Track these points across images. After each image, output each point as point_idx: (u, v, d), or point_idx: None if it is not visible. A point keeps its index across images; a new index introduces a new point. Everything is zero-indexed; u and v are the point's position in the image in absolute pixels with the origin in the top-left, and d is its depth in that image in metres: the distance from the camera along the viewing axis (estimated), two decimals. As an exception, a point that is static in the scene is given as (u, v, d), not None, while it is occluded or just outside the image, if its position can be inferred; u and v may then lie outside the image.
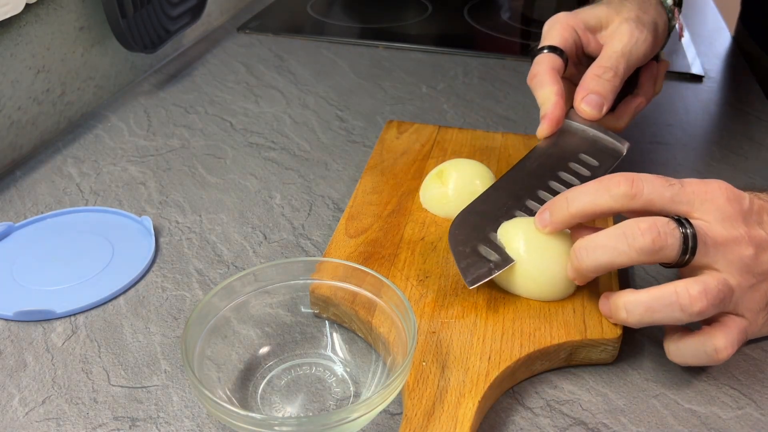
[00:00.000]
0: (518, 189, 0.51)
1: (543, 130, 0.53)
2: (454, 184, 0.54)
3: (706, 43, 0.98)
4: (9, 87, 0.65)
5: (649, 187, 0.41)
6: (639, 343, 0.47)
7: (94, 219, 0.57)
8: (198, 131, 0.72)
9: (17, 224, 0.56)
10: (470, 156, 0.62)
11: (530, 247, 0.45)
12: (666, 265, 0.41)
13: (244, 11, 1.07)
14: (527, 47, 0.97)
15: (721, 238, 0.40)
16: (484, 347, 0.42)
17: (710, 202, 0.40)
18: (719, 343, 0.40)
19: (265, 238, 0.56)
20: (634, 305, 0.40)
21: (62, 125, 0.73)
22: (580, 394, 0.43)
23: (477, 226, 0.48)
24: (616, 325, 0.44)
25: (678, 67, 0.88)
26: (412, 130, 0.66)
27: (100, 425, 0.40)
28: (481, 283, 0.45)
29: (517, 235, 0.46)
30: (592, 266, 0.41)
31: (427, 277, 0.48)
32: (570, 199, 0.43)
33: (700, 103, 0.80)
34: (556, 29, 0.56)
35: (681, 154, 0.69)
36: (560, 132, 0.54)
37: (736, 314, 0.41)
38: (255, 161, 0.66)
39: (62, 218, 0.57)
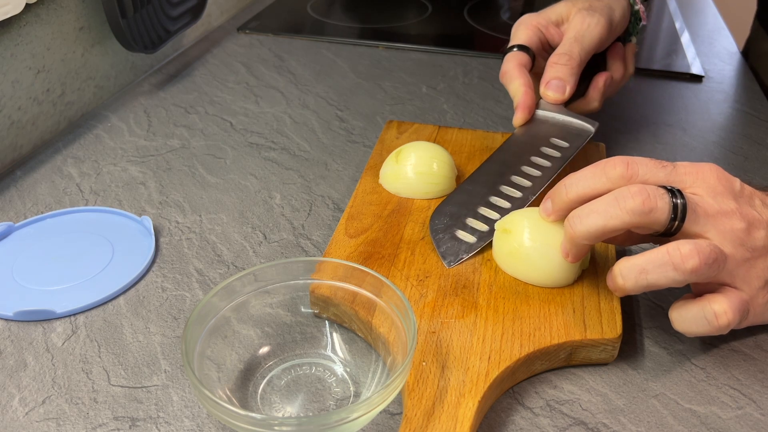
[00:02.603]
0: (493, 177, 0.55)
1: (518, 118, 0.59)
2: (412, 165, 0.56)
3: (706, 43, 0.98)
4: (9, 87, 0.65)
5: (643, 168, 0.42)
6: (639, 343, 0.47)
7: (94, 219, 0.57)
8: (198, 131, 0.72)
9: (17, 224, 0.56)
10: (470, 156, 0.62)
11: (534, 235, 0.47)
12: (658, 235, 0.42)
13: (244, 11, 1.07)
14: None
15: (712, 210, 0.41)
16: (484, 347, 0.42)
17: (702, 180, 0.42)
18: (718, 307, 0.40)
19: (265, 238, 0.56)
20: (628, 269, 0.41)
21: (62, 125, 0.73)
22: (580, 394, 0.43)
23: (454, 215, 0.53)
24: (615, 325, 0.44)
25: (678, 67, 0.88)
26: (412, 130, 0.66)
27: (100, 425, 0.40)
28: (459, 262, 0.49)
29: (521, 224, 0.47)
30: (585, 232, 0.42)
31: (427, 277, 0.48)
32: (568, 185, 0.44)
33: (700, 103, 0.80)
34: (522, 29, 0.62)
35: (681, 154, 0.69)
36: (533, 121, 0.59)
37: (735, 287, 0.42)
38: (255, 161, 0.66)
39: (62, 218, 0.57)
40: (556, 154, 0.56)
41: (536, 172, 0.54)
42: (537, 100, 0.59)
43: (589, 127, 0.57)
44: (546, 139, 0.57)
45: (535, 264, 0.46)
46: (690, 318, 0.42)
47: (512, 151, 0.57)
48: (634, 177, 0.42)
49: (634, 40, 0.67)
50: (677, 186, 0.42)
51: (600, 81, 0.62)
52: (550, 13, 0.62)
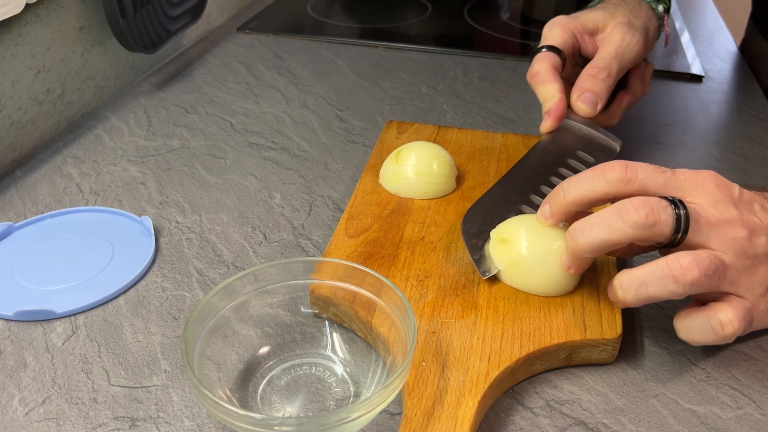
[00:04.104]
0: (522, 184, 0.53)
1: (547, 125, 0.57)
2: (412, 165, 0.56)
3: (706, 43, 0.98)
4: (9, 87, 0.65)
5: (642, 172, 0.42)
6: (639, 343, 0.47)
7: (94, 219, 0.57)
8: (198, 131, 0.72)
9: (17, 224, 0.56)
10: (470, 156, 0.62)
11: (532, 244, 0.46)
12: (661, 246, 0.42)
13: (244, 11, 1.07)
14: (527, 47, 0.97)
15: (714, 219, 0.40)
16: (484, 347, 0.42)
17: (701, 187, 0.42)
18: (723, 316, 0.40)
19: (265, 238, 0.56)
20: (628, 282, 0.40)
21: (62, 125, 0.73)
22: (580, 394, 0.43)
23: (486, 219, 0.50)
24: (615, 325, 0.44)
25: (678, 67, 0.88)
26: (412, 130, 0.66)
27: (100, 425, 0.40)
28: (493, 273, 0.47)
29: (519, 232, 0.47)
30: (588, 245, 0.41)
31: (427, 277, 0.48)
32: (566, 188, 0.44)
33: (700, 103, 0.80)
34: (556, 30, 0.59)
35: (681, 154, 0.69)
36: (558, 129, 0.57)
37: (738, 295, 0.41)
38: (255, 161, 0.66)
39: (62, 218, 0.57)
40: (582, 168, 0.54)
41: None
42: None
43: (615, 145, 0.57)
44: (573, 151, 0.56)
45: (535, 274, 0.46)
46: (695, 327, 0.41)
47: (541, 158, 0.56)
48: (633, 180, 0.41)
49: (650, 58, 0.66)
50: (677, 193, 0.41)
51: (624, 100, 0.62)
52: (586, 19, 0.60)
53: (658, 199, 0.40)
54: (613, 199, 0.43)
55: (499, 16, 1.08)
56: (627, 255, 0.47)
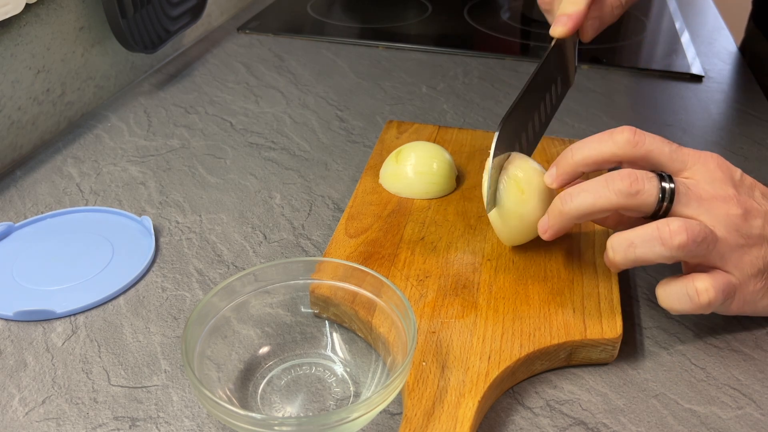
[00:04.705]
0: (529, 108, 0.51)
1: (560, 31, 0.53)
2: (412, 165, 0.56)
3: (706, 43, 0.98)
4: (9, 87, 0.65)
5: (650, 139, 0.43)
6: (639, 343, 0.47)
7: (94, 219, 0.57)
8: (198, 131, 0.72)
9: (17, 224, 0.56)
10: (470, 156, 0.62)
11: (539, 200, 0.47)
12: (649, 218, 0.42)
13: (244, 11, 1.07)
14: (527, 47, 0.97)
15: (706, 195, 0.41)
16: (484, 347, 0.42)
17: (702, 164, 0.43)
18: (700, 284, 0.41)
19: (265, 238, 0.56)
20: (618, 243, 0.42)
21: (62, 125, 0.73)
22: (580, 394, 0.43)
23: (509, 143, 0.48)
24: (615, 325, 0.44)
25: (678, 67, 0.88)
26: (412, 130, 0.66)
27: (100, 425, 0.40)
28: (490, 212, 0.48)
29: (532, 185, 0.47)
30: (575, 209, 0.43)
31: (427, 277, 0.48)
32: (575, 149, 0.45)
33: (700, 103, 0.80)
34: None
35: (681, 154, 0.69)
36: (563, 41, 0.54)
37: (725, 271, 0.42)
38: (255, 161, 0.66)
39: (62, 218, 0.57)
40: (554, 101, 0.54)
41: (543, 117, 0.52)
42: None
43: (571, 81, 0.57)
44: (556, 78, 0.54)
45: (510, 224, 0.48)
46: (673, 294, 0.42)
47: (546, 75, 0.52)
48: (641, 144, 0.43)
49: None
50: (678, 165, 0.43)
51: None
52: None
53: (645, 172, 0.41)
54: (620, 162, 0.44)
55: (499, 16, 1.08)
56: (617, 227, 0.48)
